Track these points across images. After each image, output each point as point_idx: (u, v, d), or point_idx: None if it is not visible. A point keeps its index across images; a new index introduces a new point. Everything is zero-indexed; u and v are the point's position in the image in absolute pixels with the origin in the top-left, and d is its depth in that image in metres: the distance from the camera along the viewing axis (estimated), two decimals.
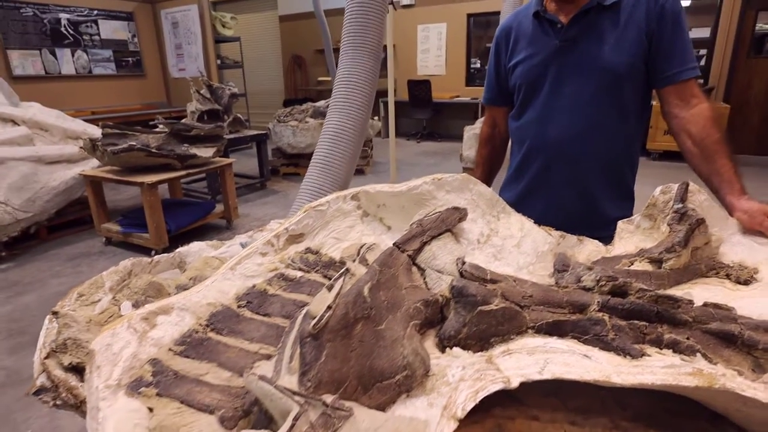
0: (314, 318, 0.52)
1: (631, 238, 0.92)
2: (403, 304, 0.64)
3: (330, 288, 0.57)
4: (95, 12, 7.42)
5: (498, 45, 1.36)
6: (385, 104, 5.72)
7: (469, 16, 8.14)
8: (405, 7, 8.47)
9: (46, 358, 0.64)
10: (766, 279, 0.77)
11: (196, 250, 0.98)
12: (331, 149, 1.41)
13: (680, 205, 0.85)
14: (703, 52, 6.46)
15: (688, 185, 0.89)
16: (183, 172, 3.68)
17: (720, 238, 0.88)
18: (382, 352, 0.55)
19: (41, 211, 3.65)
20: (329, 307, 0.53)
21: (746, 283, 0.77)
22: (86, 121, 4.58)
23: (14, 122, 3.89)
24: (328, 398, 0.45)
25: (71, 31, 7.17)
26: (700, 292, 0.73)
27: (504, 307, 0.62)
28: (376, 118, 6.41)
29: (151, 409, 0.53)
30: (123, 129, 3.61)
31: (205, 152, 3.78)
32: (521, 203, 1.21)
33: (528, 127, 1.30)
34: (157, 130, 3.76)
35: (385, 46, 1.95)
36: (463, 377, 0.52)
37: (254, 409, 0.53)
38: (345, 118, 1.43)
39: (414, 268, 0.76)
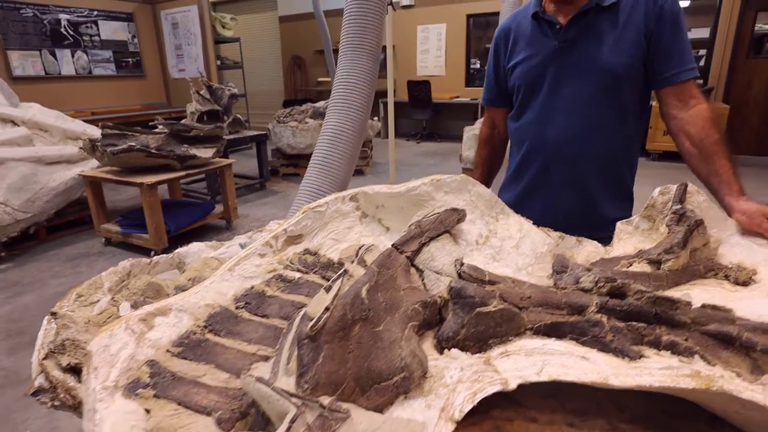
0: (312, 319, 0.52)
1: (630, 239, 0.92)
2: (402, 306, 0.64)
3: (328, 289, 0.57)
4: (95, 13, 7.42)
5: (497, 46, 1.36)
6: (385, 105, 5.72)
7: (469, 16, 8.14)
8: (405, 7, 8.48)
9: (44, 358, 0.64)
10: (764, 280, 0.77)
11: (195, 250, 0.98)
12: (329, 150, 1.41)
13: (679, 206, 0.85)
14: (702, 52, 6.45)
15: (686, 186, 0.89)
16: (182, 173, 3.68)
17: (719, 239, 0.88)
18: (379, 353, 0.55)
19: (41, 212, 3.65)
20: (327, 309, 0.53)
21: (745, 284, 0.77)
22: (86, 121, 4.58)
23: (14, 123, 3.88)
24: (326, 400, 0.45)
25: (71, 32, 7.16)
26: (698, 294, 0.73)
27: (502, 308, 0.62)
28: (375, 118, 6.41)
29: (148, 411, 0.53)
30: (122, 129, 3.62)
31: (204, 153, 3.78)
32: (520, 204, 1.22)
33: (527, 128, 1.30)
34: (156, 130, 3.76)
35: (384, 47, 1.95)
36: (461, 379, 0.52)
37: (251, 410, 0.53)
38: (344, 118, 1.43)
39: (412, 270, 0.75)
